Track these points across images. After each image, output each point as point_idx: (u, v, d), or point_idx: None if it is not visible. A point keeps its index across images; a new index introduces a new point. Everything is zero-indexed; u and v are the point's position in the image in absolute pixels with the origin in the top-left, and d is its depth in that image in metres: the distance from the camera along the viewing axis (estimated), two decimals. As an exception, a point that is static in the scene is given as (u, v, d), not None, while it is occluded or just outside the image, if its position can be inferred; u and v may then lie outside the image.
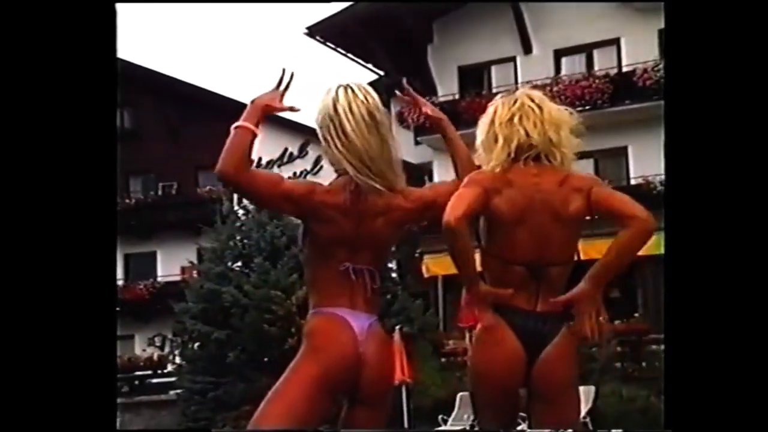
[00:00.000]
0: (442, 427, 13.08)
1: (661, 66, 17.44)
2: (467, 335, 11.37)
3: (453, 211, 2.51)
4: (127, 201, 23.41)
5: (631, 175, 18.25)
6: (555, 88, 18.28)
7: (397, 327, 12.72)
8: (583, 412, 13.55)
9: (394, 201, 2.55)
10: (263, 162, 22.83)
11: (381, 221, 2.54)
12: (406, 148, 22.00)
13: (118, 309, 20.24)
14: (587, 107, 17.96)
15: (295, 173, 19.74)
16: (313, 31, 20.47)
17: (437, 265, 18.55)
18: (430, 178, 20.66)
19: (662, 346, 14.23)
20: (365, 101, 2.53)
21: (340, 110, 2.52)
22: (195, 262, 18.92)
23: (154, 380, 20.37)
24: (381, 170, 2.50)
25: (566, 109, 2.66)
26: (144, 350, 22.21)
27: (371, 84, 18.12)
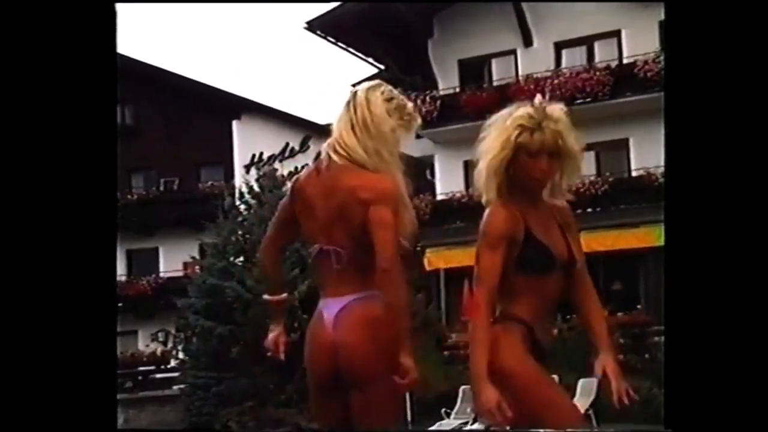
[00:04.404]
0: (445, 421, 13.10)
1: (662, 57, 17.41)
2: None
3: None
4: (129, 197, 23.42)
5: (633, 167, 18.24)
6: (556, 81, 18.27)
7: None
8: (586, 405, 13.59)
9: (365, 182, 2.50)
10: (264, 156, 22.86)
11: (349, 197, 2.50)
12: (407, 141, 21.94)
13: (120, 305, 20.29)
14: (588, 99, 17.94)
15: (296, 167, 19.73)
16: (313, 26, 20.45)
17: (439, 259, 18.56)
18: (432, 172, 20.65)
19: (663, 338, 14.22)
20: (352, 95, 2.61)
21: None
22: (197, 257, 18.95)
23: (158, 376, 20.41)
24: (345, 143, 2.53)
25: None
26: (147, 346, 22.24)
27: (372, 77, 17.99)
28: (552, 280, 2.46)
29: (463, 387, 13.60)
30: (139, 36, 50.29)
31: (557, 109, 2.44)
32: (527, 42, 19.34)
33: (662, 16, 17.90)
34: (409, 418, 11.73)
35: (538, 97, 2.45)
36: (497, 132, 2.43)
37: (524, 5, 19.07)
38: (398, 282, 2.42)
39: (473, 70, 19.95)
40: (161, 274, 23.82)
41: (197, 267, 18.34)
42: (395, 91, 2.64)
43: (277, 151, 22.64)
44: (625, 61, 18.40)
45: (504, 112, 2.47)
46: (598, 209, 17.71)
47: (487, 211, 2.46)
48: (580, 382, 13.69)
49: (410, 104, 2.65)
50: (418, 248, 18.59)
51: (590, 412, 13.39)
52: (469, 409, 13.44)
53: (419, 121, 2.68)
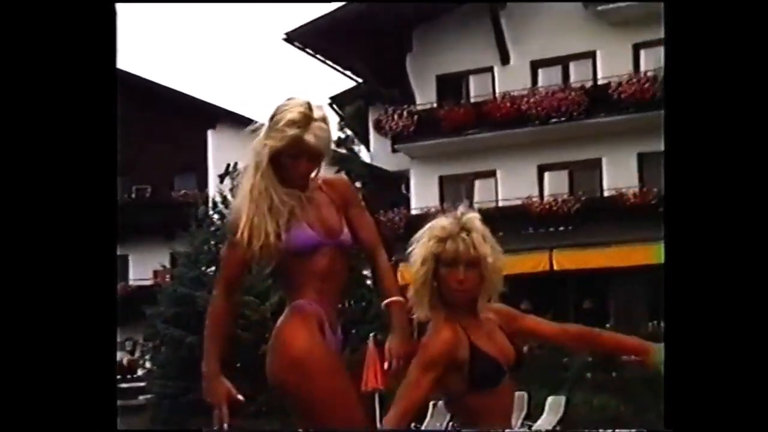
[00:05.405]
0: (414, 436, 13.07)
1: (635, 79, 17.66)
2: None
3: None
4: (100, 203, 23.17)
5: (605, 186, 18.44)
6: (532, 99, 18.43)
7: (372, 334, 12.72)
8: (554, 422, 13.64)
9: None
10: (239, 166, 22.75)
11: None
12: (383, 155, 22.04)
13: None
14: (563, 119, 18.12)
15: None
16: (292, 37, 20.46)
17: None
18: (407, 186, 20.69)
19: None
20: None
21: None
22: (168, 266, 18.79)
23: (123, 385, 20.16)
24: None
25: None
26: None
27: (351, 91, 17.93)
28: (505, 387, 2.41)
29: (432, 402, 13.59)
30: (119, 2, 49.86)
31: (473, 219, 2.41)
32: (504, 60, 19.51)
33: (636, 39, 18.16)
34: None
35: (461, 208, 2.44)
36: (418, 246, 2.43)
37: (503, 24, 19.25)
38: (210, 308, 2.56)
39: (451, 85, 20.07)
40: (131, 282, 23.58)
41: (168, 276, 18.21)
42: (286, 105, 2.52)
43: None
44: (599, 81, 18.63)
45: (427, 225, 2.47)
46: (570, 227, 17.85)
47: (430, 327, 2.42)
48: (549, 399, 13.76)
49: (290, 115, 2.48)
50: (392, 262, 18.56)
51: (557, 429, 13.46)
52: (438, 424, 13.43)
53: (295, 131, 2.47)
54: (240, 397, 2.53)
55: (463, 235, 2.37)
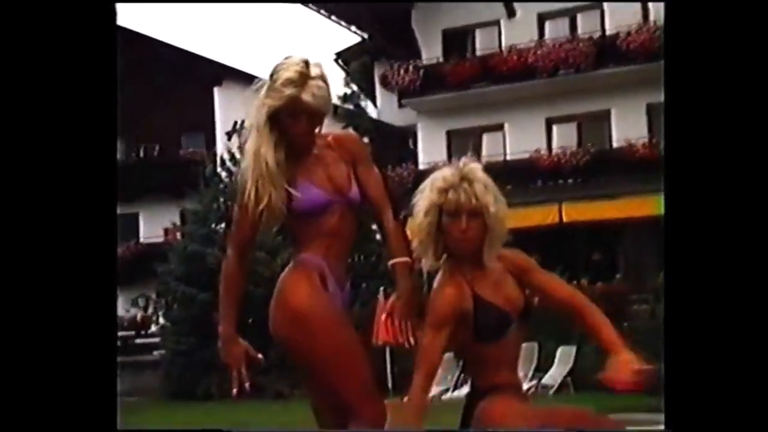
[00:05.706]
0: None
1: (644, 29, 17.42)
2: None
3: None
4: (109, 163, 23.15)
5: (614, 138, 18.32)
6: (539, 52, 18.23)
7: (381, 288, 12.81)
8: (564, 372, 13.75)
9: None
10: (246, 123, 22.65)
11: None
12: (390, 111, 21.89)
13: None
14: (571, 71, 17.94)
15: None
16: (297, -8, 20.21)
17: (420, 228, 18.55)
18: (414, 142, 20.62)
19: (643, 306, 14.41)
20: None
21: None
22: (178, 223, 18.87)
23: (137, 341, 20.41)
24: None
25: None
26: (127, 311, 22.20)
27: (356, 46, 17.75)
28: (512, 336, 2.44)
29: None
30: (119, 2, 49.48)
31: (475, 169, 2.41)
32: (510, 13, 19.24)
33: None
34: (389, 386, 11.84)
35: (463, 159, 2.44)
36: (422, 197, 2.44)
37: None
38: (224, 269, 2.60)
39: (457, 40, 19.85)
40: (141, 240, 23.72)
41: (178, 233, 18.31)
42: (283, 64, 2.49)
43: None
44: (607, 33, 18.38)
45: (430, 177, 2.48)
46: (579, 180, 17.80)
47: (435, 283, 2.45)
48: (559, 349, 13.87)
49: (286, 74, 2.46)
50: (401, 217, 18.59)
51: (568, 380, 13.60)
52: (449, 377, 13.61)
53: (291, 90, 2.45)
54: (259, 356, 2.57)
55: (465, 185, 2.38)
